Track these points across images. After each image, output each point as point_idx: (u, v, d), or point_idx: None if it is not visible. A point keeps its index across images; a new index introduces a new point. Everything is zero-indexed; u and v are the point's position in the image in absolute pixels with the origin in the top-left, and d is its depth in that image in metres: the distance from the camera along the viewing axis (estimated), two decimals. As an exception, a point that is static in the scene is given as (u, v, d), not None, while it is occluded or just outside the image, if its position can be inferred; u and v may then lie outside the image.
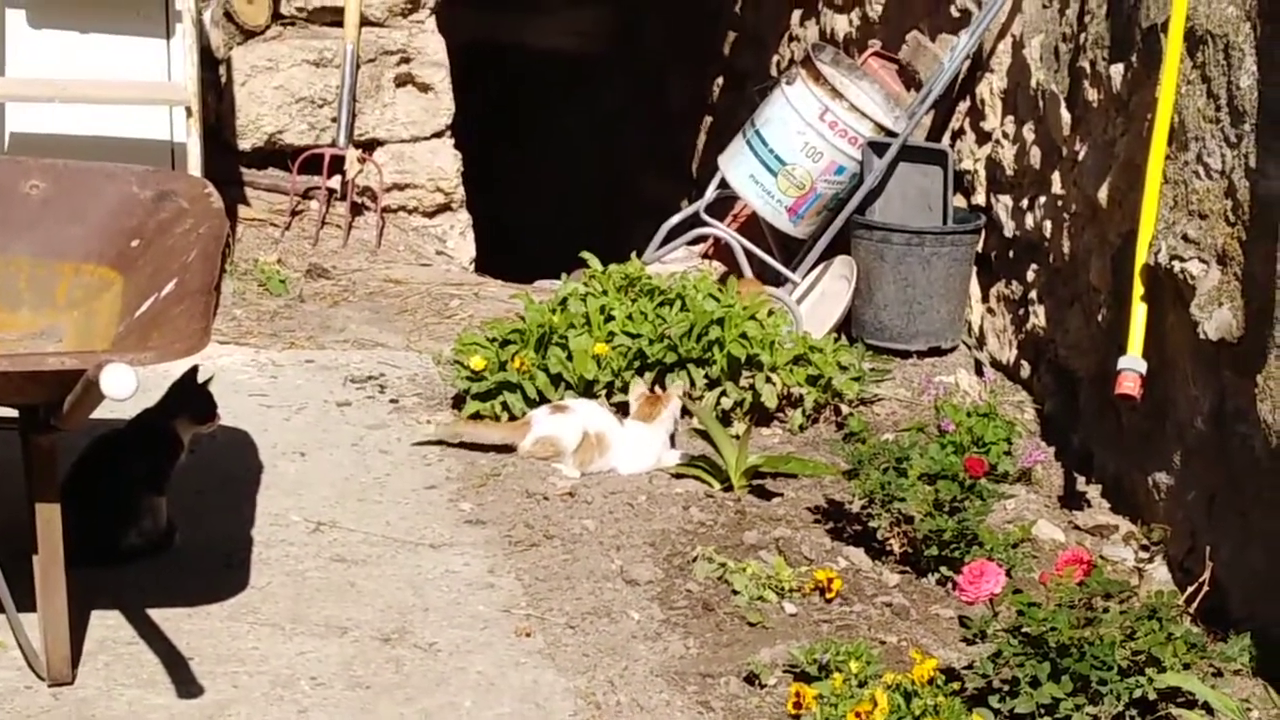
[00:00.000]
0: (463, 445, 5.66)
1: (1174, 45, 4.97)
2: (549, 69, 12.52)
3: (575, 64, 12.51)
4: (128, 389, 3.58)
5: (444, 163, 8.37)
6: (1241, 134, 4.64)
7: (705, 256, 7.44)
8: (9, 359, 3.92)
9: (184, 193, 4.79)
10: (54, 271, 4.74)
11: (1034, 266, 6.24)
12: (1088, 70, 5.77)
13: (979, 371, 6.43)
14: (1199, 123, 4.86)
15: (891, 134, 6.76)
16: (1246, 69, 4.63)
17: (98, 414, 4.49)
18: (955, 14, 6.95)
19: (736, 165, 7.01)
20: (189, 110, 6.66)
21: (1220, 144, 4.74)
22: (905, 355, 6.65)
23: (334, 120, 8.10)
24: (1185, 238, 4.86)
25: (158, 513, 4.85)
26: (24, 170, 4.90)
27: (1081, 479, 5.58)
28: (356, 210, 8.15)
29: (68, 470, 4.72)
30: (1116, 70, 5.54)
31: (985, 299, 6.69)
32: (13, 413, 4.15)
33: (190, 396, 4.85)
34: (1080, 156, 5.82)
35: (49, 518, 4.12)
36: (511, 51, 12.29)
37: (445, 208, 8.44)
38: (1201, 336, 4.73)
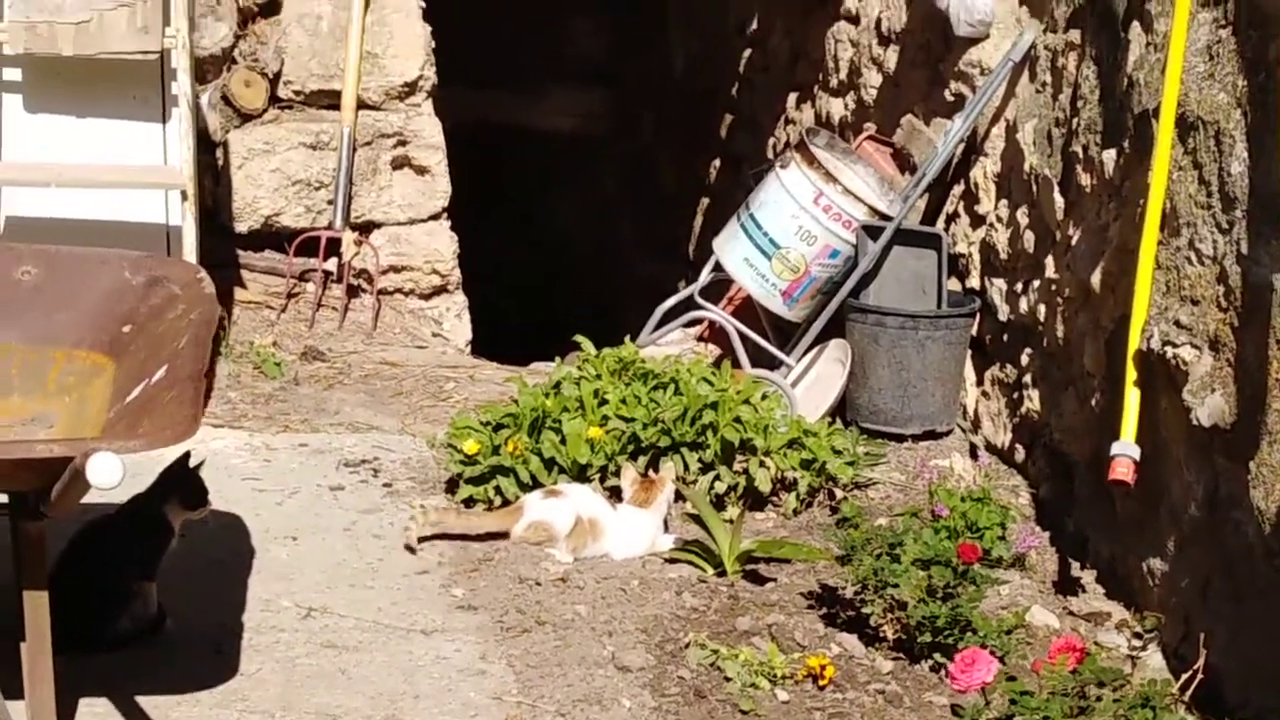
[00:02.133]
0: (450, 537, 5.63)
1: (1165, 131, 4.97)
2: (546, 150, 12.56)
3: (572, 146, 12.56)
4: (114, 478, 3.57)
5: (440, 245, 8.39)
6: (1233, 220, 4.64)
7: (701, 339, 7.44)
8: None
9: (176, 278, 4.78)
10: (45, 358, 4.73)
11: (1028, 350, 6.24)
12: (1080, 155, 5.78)
13: (974, 455, 6.42)
14: (1191, 208, 4.86)
15: (886, 217, 6.77)
16: (1237, 155, 4.64)
17: (90, 499, 4.53)
18: (950, 98, 6.97)
19: (731, 248, 7.02)
20: (184, 194, 6.68)
21: (1212, 229, 4.74)
22: (900, 439, 6.64)
23: (330, 203, 8.12)
24: (1178, 323, 4.86)
25: (148, 598, 4.83)
26: (16, 256, 4.90)
27: (1076, 564, 5.56)
28: (353, 292, 8.16)
29: (58, 554, 4.72)
30: (1109, 155, 5.55)
31: (980, 382, 6.69)
32: (3, 498, 4.14)
33: (181, 482, 4.84)
34: (1074, 241, 5.83)
35: (37, 604, 4.09)
36: (508, 132, 12.33)
37: (441, 289, 8.44)
38: (1194, 422, 4.72)
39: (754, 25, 9.67)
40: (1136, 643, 4.61)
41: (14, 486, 4.01)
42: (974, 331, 6.69)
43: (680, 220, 10.58)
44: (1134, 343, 5.03)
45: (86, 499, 4.44)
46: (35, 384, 4.73)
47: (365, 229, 8.25)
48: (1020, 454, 6.28)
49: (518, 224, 12.65)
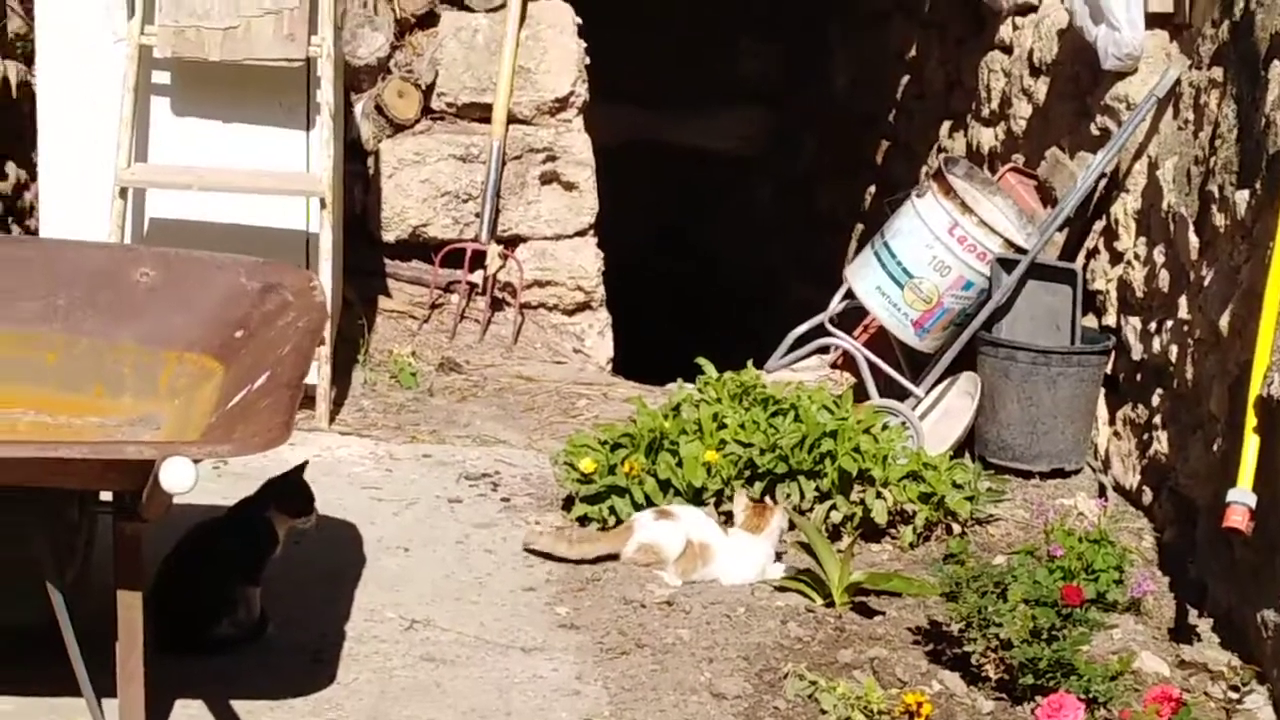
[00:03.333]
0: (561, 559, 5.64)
1: (1295, 174, 4.88)
2: (705, 169, 12.55)
3: (732, 165, 12.54)
4: (185, 484, 3.60)
5: (585, 261, 8.40)
6: (1358, 267, 4.53)
7: (835, 366, 7.38)
8: (88, 446, 3.96)
9: (290, 285, 4.83)
10: (158, 359, 4.80)
11: (1159, 391, 6.13)
12: (1216, 194, 5.68)
13: (1101, 495, 6.32)
14: (1317, 253, 4.76)
15: (1021, 250, 6.68)
16: (1364, 201, 4.53)
17: (201, 502, 4.60)
18: (1095, 132, 6.87)
19: (863, 276, 6.97)
20: (323, 202, 6.72)
21: (1337, 276, 4.63)
22: (1028, 476, 6.55)
23: (477, 215, 8.17)
24: (1299, 370, 4.75)
25: (251, 603, 4.88)
26: (135, 258, 4.99)
27: (1194, 612, 5.44)
28: (496, 306, 8.20)
29: (165, 557, 4.78)
30: (1242, 196, 5.44)
31: (1112, 422, 6.58)
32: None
33: (286, 490, 4.87)
34: (1206, 282, 5.72)
35: (130, 604, 4.14)
36: (669, 150, 12.33)
37: (585, 306, 8.46)
38: (1310, 472, 4.61)
39: (912, 52, 9.61)
40: (1231, 695, 4.51)
41: (108, 486, 4.07)
42: (1108, 370, 6.59)
43: (835, 245, 10.52)
44: (1255, 389, 4.93)
45: (201, 502, 4.56)
46: (148, 385, 4.80)
47: (511, 243, 8.29)
48: (1148, 496, 6.18)
49: (673, 243, 12.67)
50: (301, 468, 4.99)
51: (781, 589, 5.52)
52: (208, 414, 4.44)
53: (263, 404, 4.15)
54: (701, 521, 5.62)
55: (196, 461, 3.77)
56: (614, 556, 5.61)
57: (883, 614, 5.40)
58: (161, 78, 6.86)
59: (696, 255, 12.60)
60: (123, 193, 6.71)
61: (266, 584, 4.90)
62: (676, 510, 5.67)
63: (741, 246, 12.40)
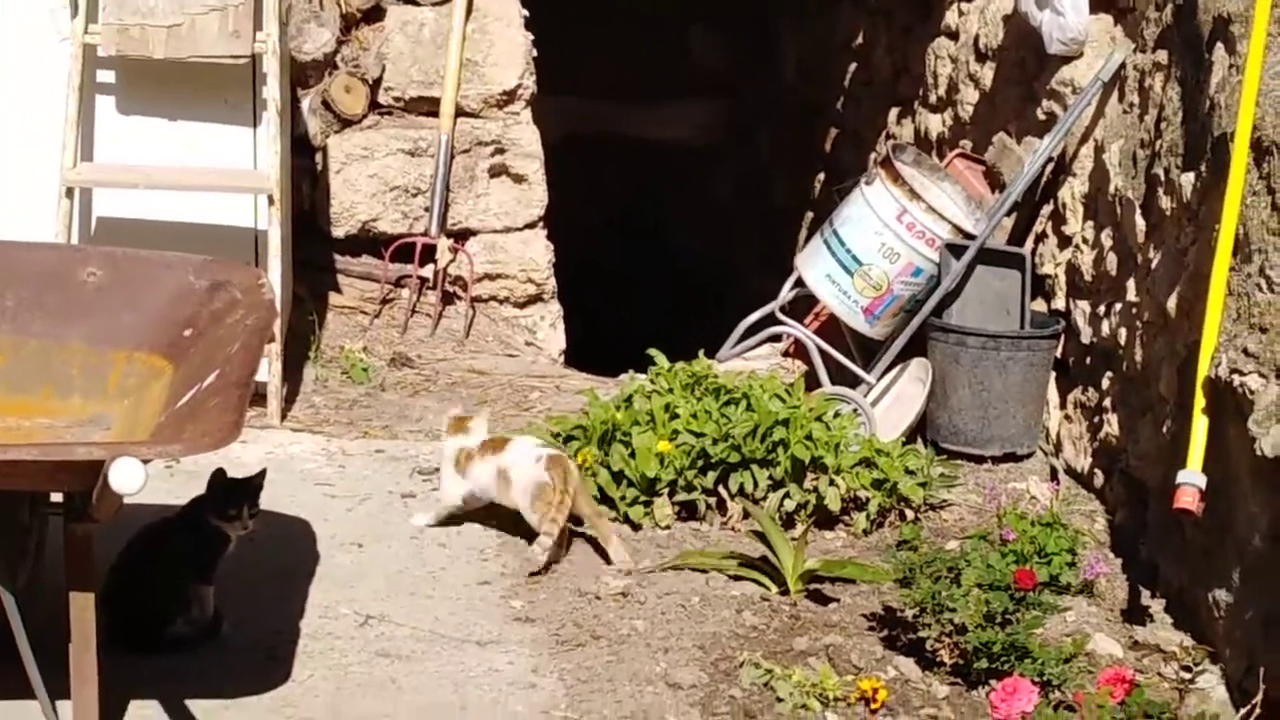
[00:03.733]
0: None
1: (1239, 155, 4.89)
2: (659, 160, 12.56)
3: (686, 156, 12.54)
4: (135, 484, 3.60)
5: (536, 254, 8.39)
6: (1303, 247, 4.56)
7: (786, 354, 7.39)
8: (37, 448, 3.95)
9: (238, 283, 4.83)
10: (107, 359, 4.79)
11: (1109, 374, 6.16)
12: (1162, 177, 5.70)
13: (1054, 479, 6.34)
14: (1263, 234, 4.78)
15: (970, 236, 6.70)
16: (1309, 182, 4.56)
17: (154, 502, 4.59)
18: (1042, 117, 6.89)
19: (813, 264, 6.98)
20: (271, 198, 6.71)
21: (1283, 257, 4.66)
22: (980, 460, 6.58)
23: (427, 209, 8.15)
24: (1246, 351, 4.77)
25: (205, 601, 4.87)
26: (83, 258, 4.97)
27: (1147, 593, 5.47)
28: (447, 299, 8.18)
29: (117, 556, 4.77)
30: (1188, 179, 5.46)
31: (1063, 405, 6.61)
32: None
33: (223, 493, 4.84)
34: (1153, 264, 5.74)
35: (82, 605, 4.13)
36: (622, 141, 12.33)
37: (536, 298, 8.44)
38: (1259, 452, 4.62)
39: (860, 39, 9.63)
40: (1184, 675, 4.54)
41: (59, 488, 4.06)
42: (1058, 353, 6.62)
43: (790, 234, 10.53)
44: (1203, 370, 4.95)
45: (154, 501, 4.56)
46: (97, 385, 4.79)
47: (461, 236, 8.27)
48: (1099, 479, 6.20)
49: (628, 234, 12.67)
50: (263, 475, 4.97)
51: (737, 577, 5.51)
52: (157, 414, 4.44)
53: (212, 403, 4.14)
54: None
55: (146, 462, 3.77)
56: None
57: (837, 601, 5.42)
58: (106, 76, 6.84)
59: (651, 246, 12.61)
60: (69, 192, 6.69)
61: (220, 582, 4.89)
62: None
63: (697, 237, 12.41)
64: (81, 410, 4.74)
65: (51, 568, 4.48)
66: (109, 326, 4.81)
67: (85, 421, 4.70)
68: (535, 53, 8.42)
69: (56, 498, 4.27)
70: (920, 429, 6.74)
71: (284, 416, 6.77)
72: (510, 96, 8.32)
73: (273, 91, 6.75)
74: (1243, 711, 4.45)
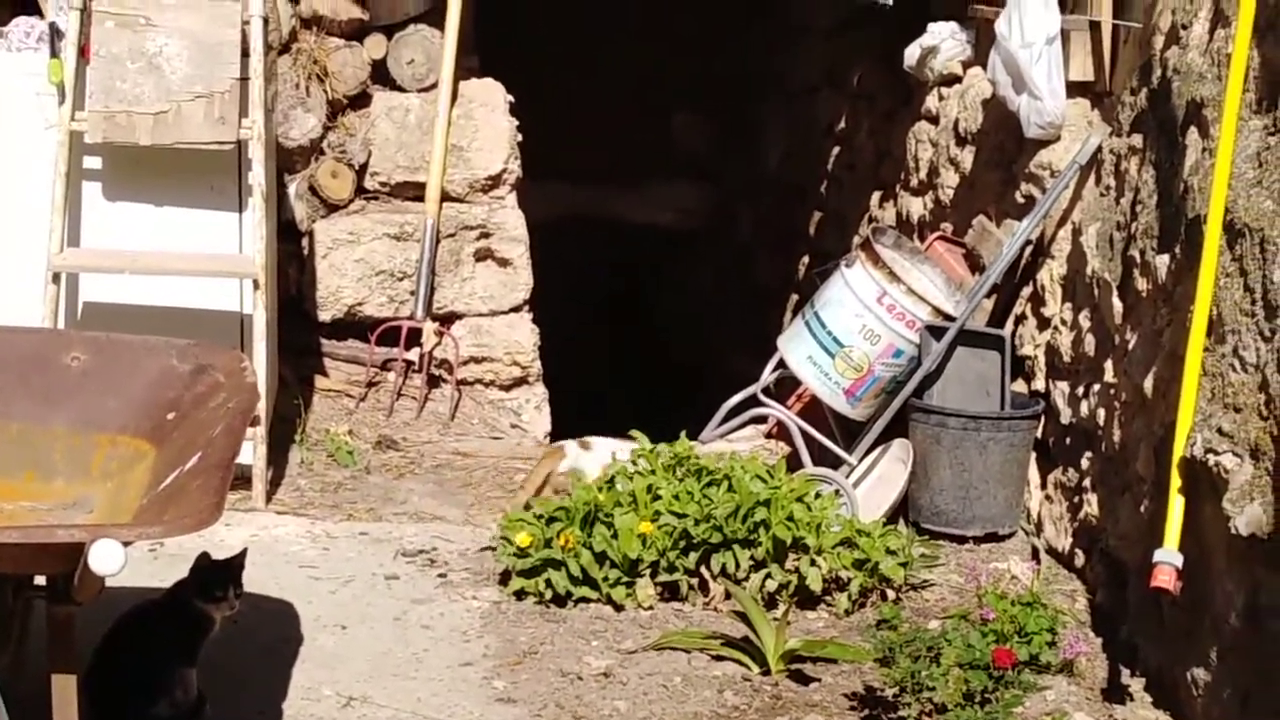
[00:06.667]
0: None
1: (1212, 238, 4.94)
2: (644, 243, 12.63)
3: (669, 239, 12.62)
4: (114, 566, 3.62)
5: (521, 336, 8.44)
6: (1275, 328, 4.59)
7: (769, 435, 7.43)
8: (18, 530, 3.97)
9: (221, 366, 4.87)
10: (90, 442, 4.82)
11: (1088, 454, 6.20)
12: (1138, 259, 5.76)
13: (1035, 559, 6.37)
14: (1236, 315, 4.82)
15: (950, 318, 6.75)
16: (1280, 264, 4.61)
17: (138, 584, 4.61)
18: (1021, 199, 6.96)
19: (795, 346, 7.01)
20: (256, 283, 6.76)
21: (1255, 337, 4.70)
22: (962, 540, 6.61)
23: (413, 293, 8.21)
24: (1220, 431, 4.81)
25: (188, 684, 4.86)
26: (66, 342, 5.02)
27: (1127, 672, 5.49)
28: (433, 383, 8.23)
29: (101, 639, 4.78)
30: (1163, 260, 5.52)
31: (1044, 485, 6.65)
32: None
33: (207, 576, 4.86)
34: (1130, 345, 5.79)
35: (64, 687, 4.15)
36: (606, 225, 12.41)
37: (522, 381, 8.49)
38: (1234, 531, 4.66)
39: (842, 124, 9.71)
40: (1160, 754, 4.56)
41: (40, 570, 4.08)
42: (1039, 434, 6.66)
43: (773, 316, 10.59)
44: (1179, 449, 4.99)
45: (138, 584, 4.58)
46: (79, 468, 4.81)
47: (447, 320, 8.33)
48: (1080, 558, 6.23)
49: (613, 316, 12.72)
50: (243, 554, 4.99)
51: (718, 657, 5.54)
52: (139, 496, 4.47)
53: (194, 485, 4.17)
54: (615, 445, 6.49)
55: (127, 544, 3.79)
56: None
57: (819, 680, 5.43)
58: (93, 163, 6.90)
59: (635, 328, 12.66)
60: (55, 277, 6.74)
61: (203, 663, 4.90)
62: (593, 441, 6.60)
63: (681, 319, 12.48)
64: (64, 493, 4.77)
65: (36, 651, 4.49)
66: (92, 410, 4.84)
67: (68, 504, 4.72)
68: (520, 137, 8.50)
69: (41, 580, 4.29)
70: (902, 509, 6.77)
71: (269, 499, 6.80)
72: (495, 181, 8.40)
73: (258, 177, 6.81)
74: (1221, 789, 4.47)
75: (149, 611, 4.89)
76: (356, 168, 8.26)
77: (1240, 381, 4.77)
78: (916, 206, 8.24)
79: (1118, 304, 5.95)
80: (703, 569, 5.90)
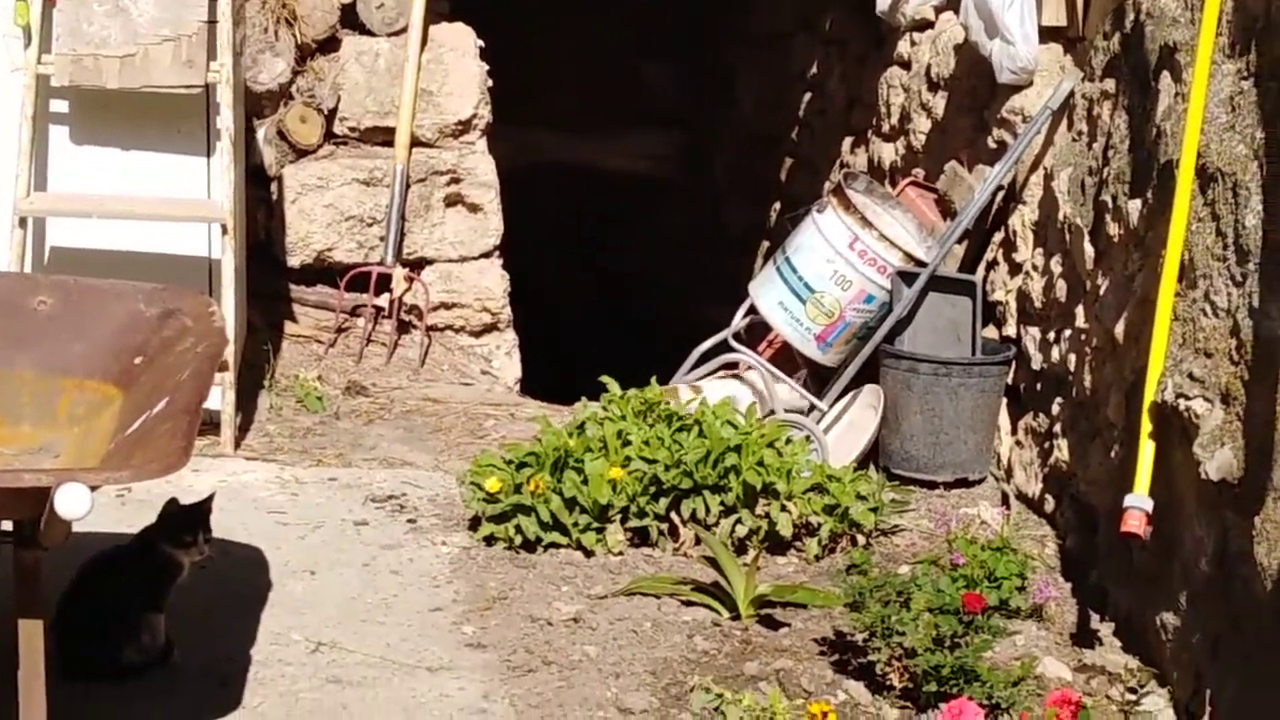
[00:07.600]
0: None
1: (1184, 182, 4.93)
2: (616, 190, 12.60)
3: (642, 186, 12.59)
4: (81, 510, 3.60)
5: (491, 283, 8.42)
6: (1246, 273, 4.59)
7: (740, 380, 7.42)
8: (-19, 475, 3.94)
9: (189, 311, 4.83)
10: (57, 387, 4.78)
11: (1059, 400, 6.20)
12: (1109, 205, 5.74)
13: (1005, 504, 6.38)
14: (1207, 260, 4.82)
15: (921, 263, 6.74)
16: (1252, 208, 4.59)
17: (106, 530, 4.58)
18: (993, 145, 6.94)
19: (766, 292, 7.00)
20: (224, 228, 6.72)
21: (1227, 282, 4.69)
22: (932, 486, 6.61)
23: (382, 239, 8.18)
24: (1191, 376, 4.81)
25: (155, 629, 4.85)
26: (33, 286, 4.97)
27: (1096, 617, 5.50)
28: (403, 329, 8.20)
29: (68, 584, 4.76)
30: (1134, 205, 5.51)
31: (1014, 431, 6.65)
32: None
33: (175, 521, 4.84)
34: (1102, 291, 5.78)
35: (31, 633, 4.11)
36: (578, 171, 12.37)
37: (492, 327, 8.47)
38: (1204, 476, 4.66)
39: (814, 70, 9.68)
40: (1131, 696, 4.56)
41: (6, 515, 4.05)
42: (1009, 380, 6.65)
43: (745, 263, 10.57)
44: (1150, 394, 4.99)
45: (106, 530, 4.55)
46: (46, 413, 4.78)
47: (417, 266, 8.30)
48: (1050, 504, 6.24)
49: (584, 263, 12.70)
50: (210, 499, 4.97)
51: (688, 603, 5.53)
52: (106, 441, 4.43)
53: (161, 430, 4.15)
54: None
55: (94, 488, 3.77)
56: None
57: (788, 626, 5.43)
58: (60, 106, 6.84)
59: (608, 275, 12.64)
60: (22, 222, 6.69)
61: (171, 609, 4.88)
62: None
63: (653, 266, 12.45)
64: (31, 438, 4.73)
65: (3, 596, 4.46)
66: (59, 354, 4.80)
67: (35, 449, 4.69)
68: (491, 83, 8.45)
69: (7, 525, 4.26)
70: (873, 455, 6.77)
71: (238, 445, 6.78)
72: (465, 126, 8.36)
73: (226, 121, 6.75)
74: (1190, 733, 4.48)
75: (117, 557, 4.88)
76: (325, 112, 8.22)
77: (1211, 326, 4.76)
78: (888, 152, 8.22)
79: (1089, 249, 5.94)
80: (673, 514, 5.89)
